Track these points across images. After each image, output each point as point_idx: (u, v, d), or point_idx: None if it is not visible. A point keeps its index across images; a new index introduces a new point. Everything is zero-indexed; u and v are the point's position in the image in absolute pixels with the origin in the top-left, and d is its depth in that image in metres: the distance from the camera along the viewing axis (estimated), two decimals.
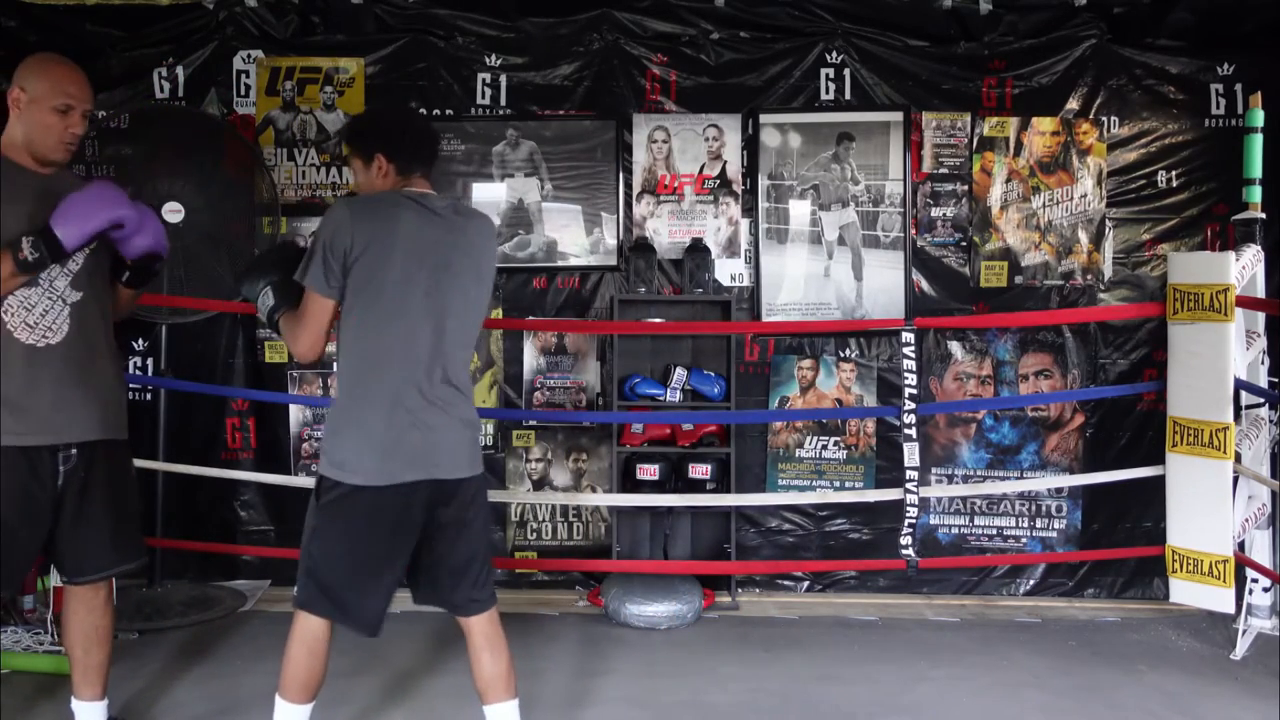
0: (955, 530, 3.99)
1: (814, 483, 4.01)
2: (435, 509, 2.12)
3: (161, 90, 4.03)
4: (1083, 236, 3.96)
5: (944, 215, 4.00)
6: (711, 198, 4.03)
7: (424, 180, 2.20)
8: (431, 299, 2.09)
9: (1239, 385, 3.16)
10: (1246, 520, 3.34)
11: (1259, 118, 3.37)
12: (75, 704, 2.42)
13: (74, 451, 2.24)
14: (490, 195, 4.03)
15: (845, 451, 4.02)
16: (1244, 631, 3.27)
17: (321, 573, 2.11)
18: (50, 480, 2.22)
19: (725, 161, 4.01)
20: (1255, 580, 3.33)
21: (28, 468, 2.19)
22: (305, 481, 3.84)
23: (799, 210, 4.00)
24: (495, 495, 3.94)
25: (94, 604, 2.36)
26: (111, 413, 2.33)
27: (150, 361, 4.01)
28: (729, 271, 4.01)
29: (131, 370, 4.02)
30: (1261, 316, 3.36)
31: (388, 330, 2.08)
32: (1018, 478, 3.94)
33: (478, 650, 2.22)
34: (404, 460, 2.06)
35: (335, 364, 2.19)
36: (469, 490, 2.17)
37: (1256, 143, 3.36)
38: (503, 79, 4.03)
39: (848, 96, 4.00)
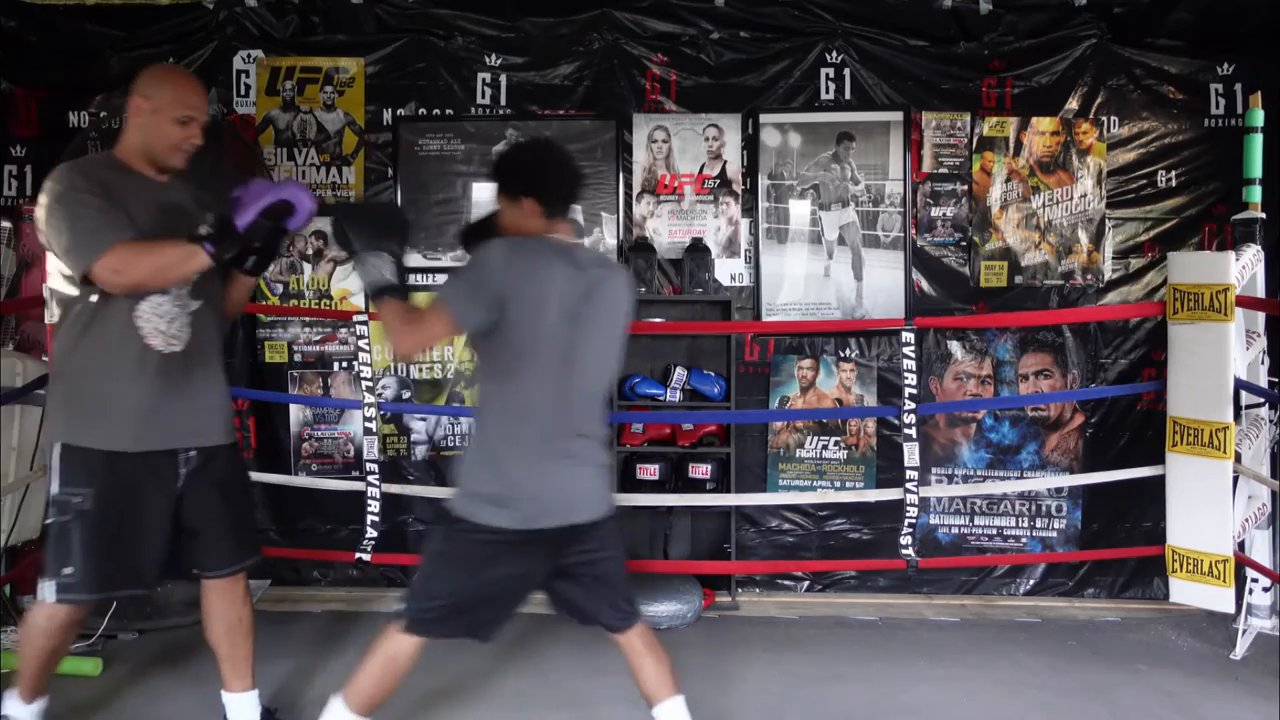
0: (955, 530, 4.00)
1: (814, 483, 4.01)
2: (569, 546, 2.14)
3: None
4: (1082, 236, 3.96)
5: (944, 215, 4.00)
6: (711, 198, 4.03)
7: (567, 225, 2.20)
8: (572, 353, 2.09)
9: (1239, 385, 3.16)
10: (1246, 520, 3.34)
11: (1259, 118, 3.37)
12: (227, 696, 2.47)
13: (193, 454, 2.30)
14: (490, 195, 4.01)
15: (845, 451, 4.02)
16: (1244, 631, 3.27)
17: (446, 603, 2.12)
18: (171, 482, 2.28)
19: (725, 161, 4.01)
20: (1255, 580, 3.33)
21: (151, 472, 2.24)
22: (305, 481, 3.86)
23: (799, 210, 4.00)
24: None
25: (234, 596, 2.42)
26: (225, 417, 2.41)
27: None
28: (729, 271, 4.02)
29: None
30: (1261, 316, 3.36)
31: (530, 381, 2.07)
32: (1018, 478, 3.94)
33: (639, 658, 2.24)
34: (539, 508, 2.08)
35: (478, 405, 2.21)
36: (603, 528, 2.19)
37: (1256, 143, 3.36)
38: (503, 79, 4.03)
39: (848, 96, 4.00)
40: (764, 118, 3.99)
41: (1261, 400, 3.31)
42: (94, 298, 2.18)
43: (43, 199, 2.17)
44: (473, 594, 2.12)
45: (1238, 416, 3.19)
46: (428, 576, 2.16)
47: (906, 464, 3.37)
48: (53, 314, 2.28)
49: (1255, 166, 3.36)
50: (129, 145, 2.28)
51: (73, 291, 2.20)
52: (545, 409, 2.08)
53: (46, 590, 2.23)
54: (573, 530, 2.12)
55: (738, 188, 4.02)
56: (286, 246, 3.94)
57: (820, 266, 3.99)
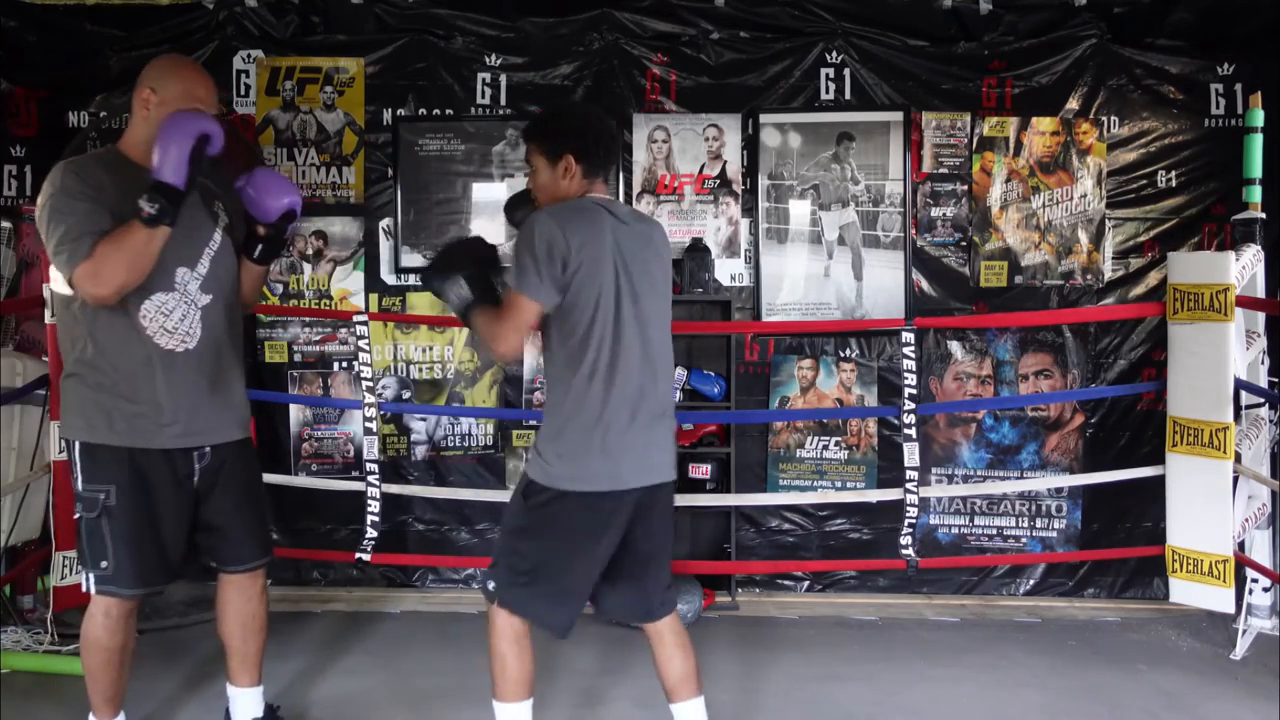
0: (955, 530, 4.00)
1: (815, 483, 4.01)
2: (638, 513, 2.13)
3: None
4: (1082, 236, 3.96)
5: (944, 215, 4.00)
6: (711, 198, 4.03)
7: (604, 185, 2.20)
8: (636, 308, 2.10)
9: (1239, 385, 3.16)
10: (1246, 520, 3.34)
11: (1259, 118, 3.37)
12: (232, 690, 2.47)
13: (208, 451, 2.29)
14: (490, 195, 4.02)
15: (846, 451, 4.02)
16: (1244, 631, 3.27)
17: (526, 572, 2.12)
18: (187, 480, 2.28)
19: (725, 161, 4.01)
20: (1255, 580, 3.33)
21: (168, 469, 2.24)
22: (305, 481, 3.86)
23: (799, 210, 4.00)
24: (495, 495, 3.94)
25: (251, 592, 2.43)
26: (240, 413, 2.40)
27: None
28: (729, 271, 4.01)
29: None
30: (1261, 316, 3.36)
31: (601, 340, 2.07)
32: (1018, 478, 3.94)
33: (669, 650, 2.23)
34: (620, 467, 2.08)
35: (545, 369, 2.21)
36: (667, 493, 2.20)
37: (1256, 143, 3.36)
38: (503, 79, 4.03)
39: (848, 96, 4.00)
40: (764, 118, 3.99)
41: (1261, 400, 3.31)
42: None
43: (40, 200, 2.16)
44: (557, 563, 2.11)
45: (1238, 416, 3.19)
46: (511, 547, 2.17)
47: (906, 464, 3.37)
48: (56, 314, 2.27)
49: (1255, 166, 3.36)
50: (134, 138, 2.25)
51: (75, 294, 2.18)
52: (617, 368, 2.07)
53: (89, 583, 2.24)
54: (647, 493, 2.11)
55: (738, 188, 4.02)
56: (289, 244, 3.93)
57: (820, 266, 3.99)
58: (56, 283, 2.22)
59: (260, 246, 2.38)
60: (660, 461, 2.16)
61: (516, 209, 2.41)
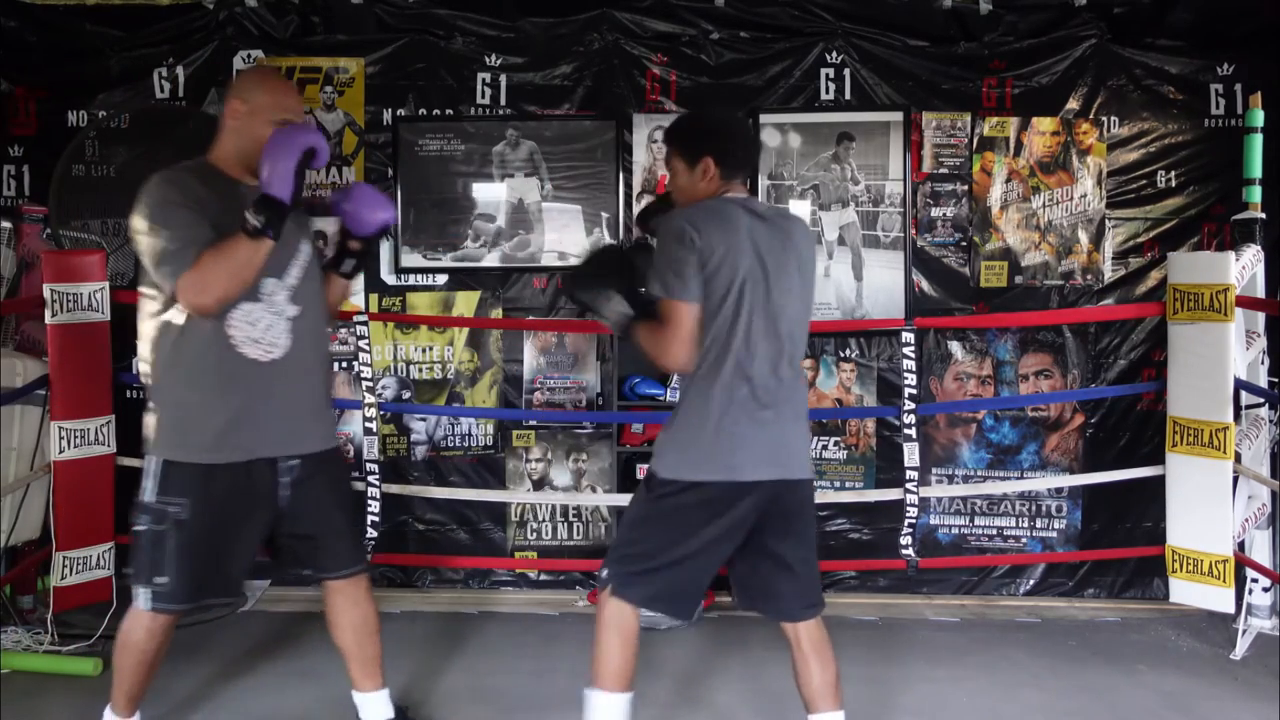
0: (955, 530, 4.00)
1: (814, 483, 4.00)
2: (771, 509, 2.12)
3: (162, 90, 4.03)
4: (1083, 236, 3.96)
5: (944, 215, 4.00)
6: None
7: (742, 185, 2.20)
8: (769, 304, 2.10)
9: (1239, 385, 3.16)
10: (1246, 520, 3.34)
11: (1259, 118, 3.37)
12: (358, 696, 2.46)
13: (295, 462, 2.27)
14: (490, 195, 4.02)
15: (845, 451, 4.02)
16: (1244, 631, 3.27)
17: (648, 563, 2.12)
18: (270, 492, 2.25)
19: None
20: (1255, 580, 3.33)
21: (248, 481, 2.22)
22: None
23: (799, 210, 4.00)
24: (495, 495, 3.95)
25: (358, 596, 2.41)
26: (327, 424, 2.41)
27: None
28: None
29: (132, 370, 4.01)
30: (1261, 316, 3.37)
31: (735, 336, 2.07)
32: (1018, 478, 3.94)
33: (806, 657, 2.19)
34: (743, 460, 2.07)
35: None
36: (805, 492, 2.19)
37: (1256, 143, 3.36)
38: (502, 79, 4.02)
39: (848, 96, 4.00)
40: (764, 118, 3.99)
41: (1261, 400, 3.32)
42: (184, 312, 2.15)
43: (137, 213, 2.15)
44: (676, 553, 2.10)
45: (1238, 416, 3.19)
46: (631, 538, 2.17)
47: (906, 464, 3.37)
48: (141, 326, 2.24)
49: (1255, 166, 3.36)
50: (224, 150, 2.26)
51: (162, 303, 2.17)
52: (752, 363, 2.07)
53: (140, 599, 2.21)
54: (779, 488, 2.10)
55: None
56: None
57: (820, 267, 3.98)
58: (144, 295, 2.21)
59: (352, 261, 2.40)
60: (792, 459, 2.14)
61: (652, 215, 2.41)
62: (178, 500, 2.17)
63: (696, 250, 2.04)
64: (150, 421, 2.24)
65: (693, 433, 2.10)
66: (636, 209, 4.00)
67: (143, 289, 2.23)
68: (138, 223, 2.14)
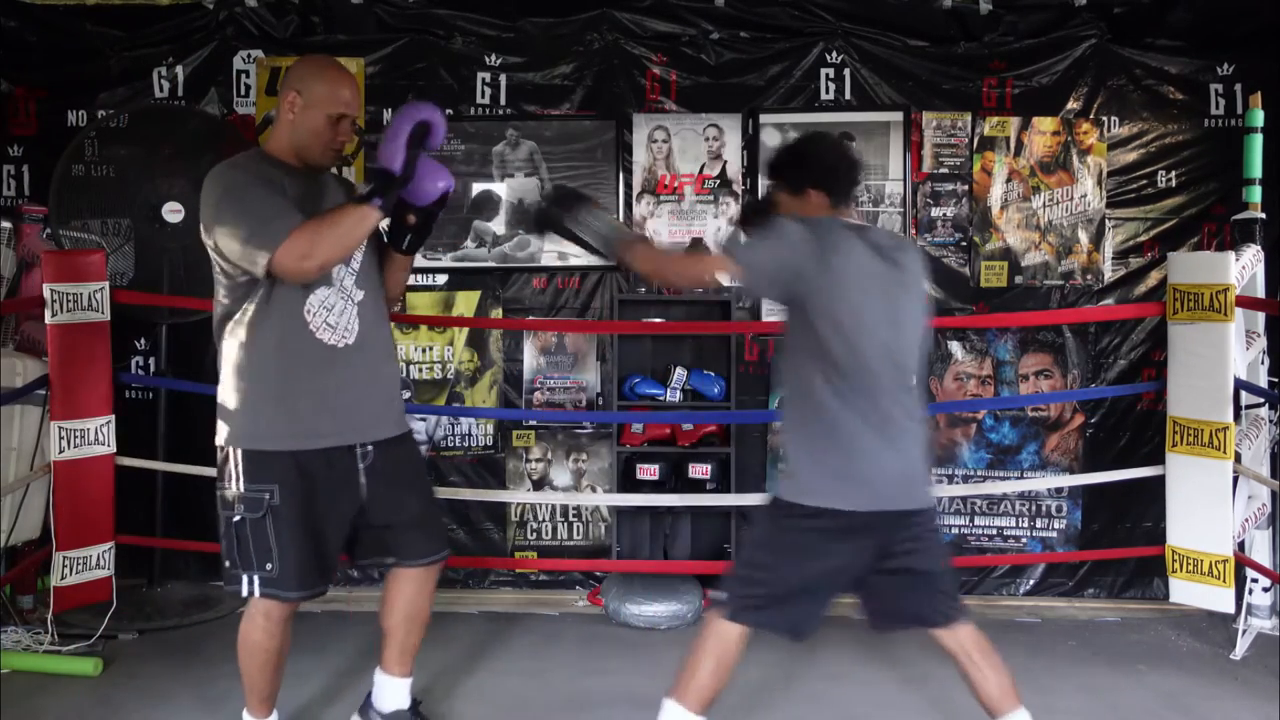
0: (955, 530, 3.99)
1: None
2: (896, 534, 2.09)
3: (161, 90, 4.03)
4: (1083, 236, 3.96)
5: (944, 215, 4.00)
6: (711, 198, 4.03)
7: (850, 210, 2.19)
8: (886, 330, 2.07)
9: (1239, 385, 3.16)
10: (1246, 520, 3.34)
11: (1259, 118, 3.37)
12: (381, 676, 2.45)
13: (371, 448, 2.26)
14: (490, 195, 4.02)
15: None
16: (1244, 631, 3.27)
17: (769, 589, 2.11)
18: (351, 479, 2.24)
19: (725, 161, 4.01)
20: (1255, 580, 3.33)
21: (329, 468, 2.21)
22: None
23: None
24: (495, 495, 3.95)
25: (424, 587, 2.40)
26: (398, 408, 2.38)
27: (150, 361, 4.01)
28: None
29: (132, 370, 4.02)
30: (1261, 316, 3.36)
31: (853, 361, 2.04)
32: (1018, 478, 3.94)
33: (976, 664, 2.15)
34: (874, 490, 2.05)
35: (785, 387, 2.20)
36: (929, 515, 2.17)
37: (1256, 143, 3.36)
38: (502, 79, 4.02)
39: (848, 96, 4.00)
40: (764, 118, 3.99)
41: (1261, 400, 3.31)
42: (258, 299, 2.14)
43: (207, 201, 2.14)
44: (797, 581, 2.09)
45: (1238, 416, 3.19)
46: (751, 563, 2.16)
47: None
48: (215, 319, 2.24)
49: (1255, 166, 3.36)
50: (279, 142, 2.24)
51: (239, 294, 2.16)
52: (872, 389, 2.05)
53: (247, 586, 2.19)
54: (902, 516, 2.08)
55: (738, 188, 4.02)
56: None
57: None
58: (221, 286, 2.19)
59: (409, 236, 2.33)
60: (915, 488, 2.12)
61: (757, 212, 2.37)
62: (268, 486, 2.15)
63: (797, 263, 2.00)
64: (227, 413, 2.22)
65: (820, 460, 2.07)
66: (638, 209, 4.01)
67: (219, 275, 2.20)
68: (212, 212, 2.12)
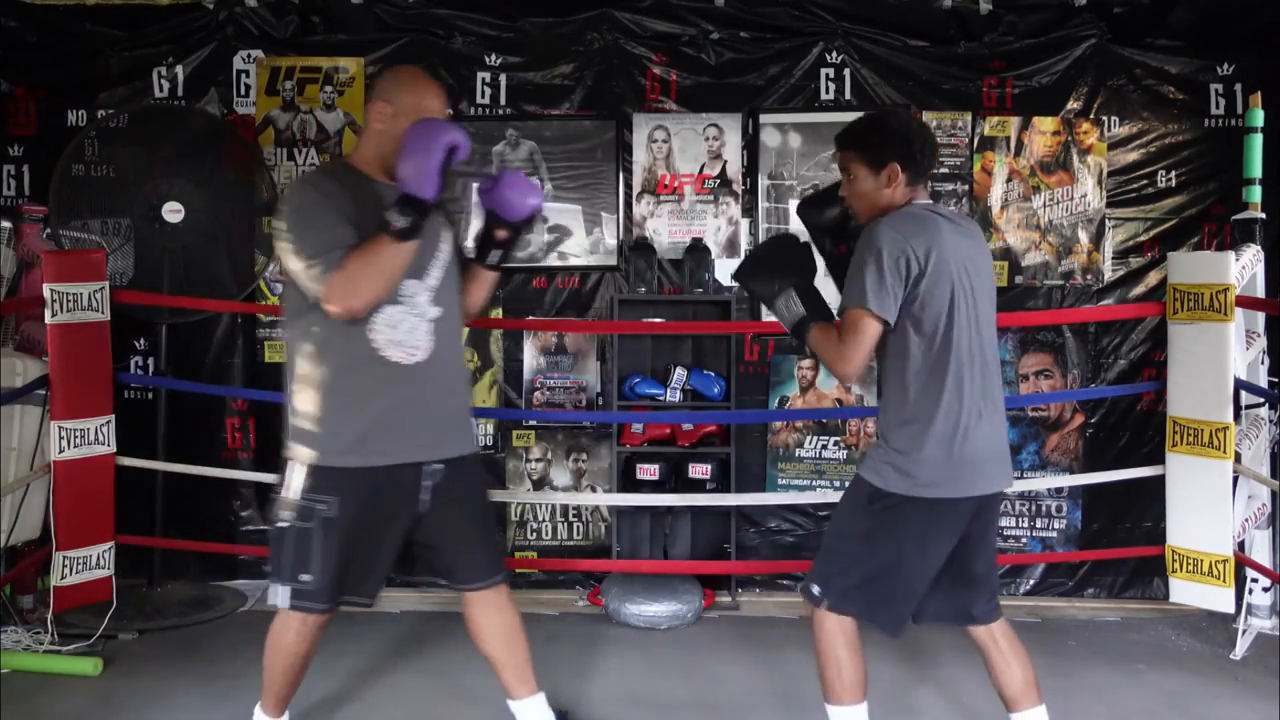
0: None
1: (814, 482, 4.01)
2: (974, 520, 2.10)
3: (161, 90, 4.03)
4: (1083, 236, 3.96)
5: None
6: (711, 198, 4.02)
7: (925, 191, 2.19)
8: (973, 312, 2.08)
9: (1239, 385, 3.16)
10: (1246, 520, 3.34)
11: (1259, 118, 3.37)
12: (514, 704, 2.42)
13: (439, 467, 2.24)
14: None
15: (845, 451, 4.01)
16: (1244, 631, 3.27)
17: (865, 578, 2.11)
18: (412, 497, 2.22)
19: (725, 161, 4.01)
20: (1255, 580, 3.33)
21: (393, 485, 2.19)
22: None
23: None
24: (495, 495, 3.94)
25: (499, 604, 2.37)
26: (468, 428, 2.38)
27: (150, 361, 4.01)
28: (729, 271, 4.01)
29: (132, 370, 4.02)
30: (1261, 316, 3.36)
31: (944, 347, 2.05)
32: (1018, 478, 3.93)
33: (1005, 657, 2.19)
34: (967, 475, 2.06)
35: (885, 377, 2.18)
36: (999, 501, 2.18)
37: (1256, 143, 3.36)
38: (502, 78, 4.02)
39: (848, 96, 3.99)
40: (764, 118, 3.99)
41: (1261, 400, 3.31)
42: (326, 316, 2.11)
43: (281, 214, 2.14)
44: (893, 569, 2.09)
45: (1238, 416, 3.19)
46: (845, 552, 2.15)
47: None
48: (286, 330, 2.24)
49: (1255, 166, 3.36)
50: (365, 151, 2.23)
51: (305, 309, 2.14)
52: (962, 374, 2.06)
53: (279, 596, 2.18)
54: (992, 498, 2.09)
55: (738, 188, 4.02)
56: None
57: (819, 266, 3.96)
58: (291, 298, 2.19)
59: (498, 252, 2.32)
60: (1003, 470, 2.14)
61: (824, 208, 2.36)
62: (326, 498, 2.13)
63: (904, 268, 2.00)
64: (295, 424, 2.21)
65: (915, 448, 2.06)
66: (638, 209, 4.00)
67: (285, 289, 2.21)
68: (282, 230, 2.12)
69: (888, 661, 3.08)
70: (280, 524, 2.17)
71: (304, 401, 2.18)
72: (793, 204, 4.00)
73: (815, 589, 2.15)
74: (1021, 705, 2.17)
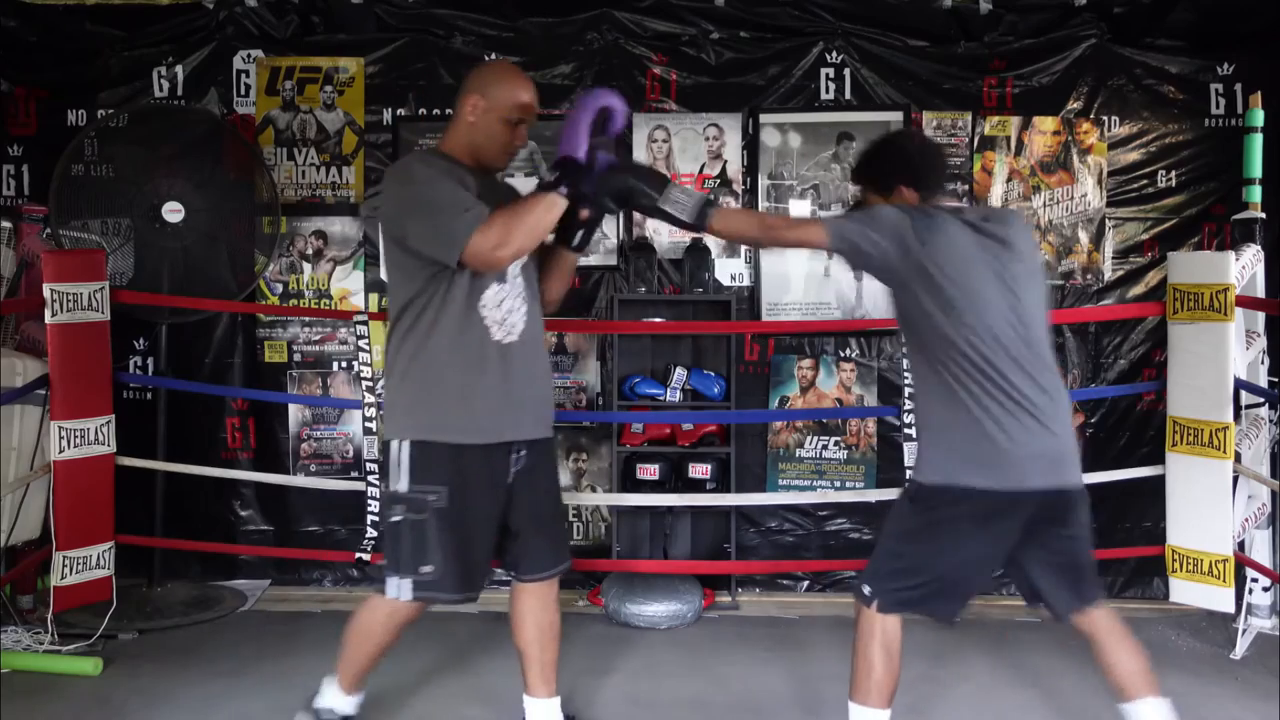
0: None
1: (814, 482, 4.01)
2: (1044, 512, 2.09)
3: (161, 90, 4.03)
4: (1083, 236, 3.96)
5: None
6: (711, 197, 4.02)
7: (944, 198, 2.22)
8: (1010, 308, 2.07)
9: (1239, 385, 3.16)
10: (1246, 520, 3.34)
11: (1259, 118, 3.37)
12: (529, 701, 2.43)
13: (524, 449, 2.26)
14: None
15: (845, 451, 4.01)
16: (1244, 631, 3.26)
17: (917, 577, 2.11)
18: (502, 479, 2.24)
19: (725, 161, 4.01)
20: (1255, 580, 3.33)
21: (488, 467, 2.21)
22: (305, 481, 3.86)
23: (799, 210, 3.99)
24: None
25: (548, 600, 2.39)
26: (550, 410, 2.40)
27: (150, 361, 4.01)
28: (729, 271, 4.01)
29: (131, 370, 4.02)
30: (1261, 316, 3.36)
31: (971, 341, 2.04)
32: None
33: (1112, 648, 2.19)
34: (1022, 468, 2.04)
35: (915, 374, 2.20)
36: (1077, 494, 2.15)
37: (1256, 143, 3.36)
38: None
39: (848, 96, 4.00)
40: (764, 118, 3.99)
41: (1261, 400, 3.31)
42: (437, 293, 2.15)
43: (392, 193, 2.18)
44: (946, 566, 2.09)
45: (1238, 416, 3.19)
46: (896, 552, 2.15)
47: (906, 464, 3.36)
48: (390, 314, 2.25)
49: (1255, 166, 3.36)
50: (456, 143, 2.27)
51: (418, 286, 2.16)
52: (1001, 367, 2.04)
53: (401, 588, 2.19)
54: (1053, 494, 2.07)
55: (738, 187, 4.02)
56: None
57: (820, 266, 3.98)
58: (396, 281, 2.21)
59: (581, 231, 2.31)
60: (1065, 466, 2.10)
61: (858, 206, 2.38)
62: (435, 488, 2.15)
63: (898, 229, 2.01)
64: (399, 404, 2.22)
65: (966, 440, 2.06)
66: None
67: (391, 273, 2.24)
68: (398, 204, 2.15)
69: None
70: (394, 519, 2.19)
71: (412, 378, 2.20)
72: (793, 203, 4.00)
73: (866, 589, 2.16)
74: (1133, 694, 2.16)
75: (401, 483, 2.18)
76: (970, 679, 3.06)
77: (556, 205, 2.12)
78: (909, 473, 2.18)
